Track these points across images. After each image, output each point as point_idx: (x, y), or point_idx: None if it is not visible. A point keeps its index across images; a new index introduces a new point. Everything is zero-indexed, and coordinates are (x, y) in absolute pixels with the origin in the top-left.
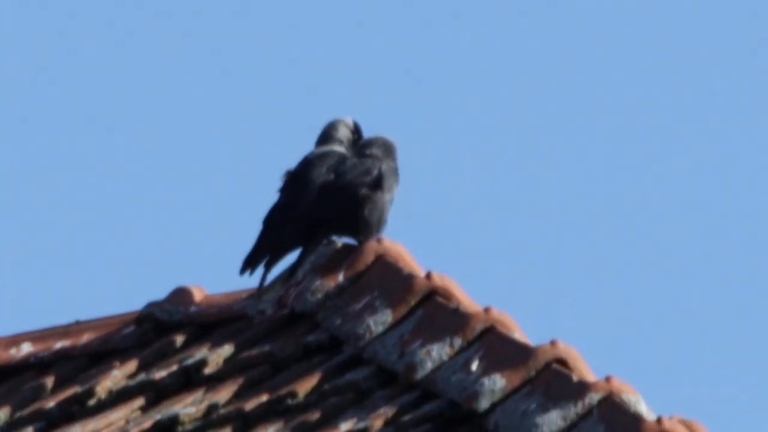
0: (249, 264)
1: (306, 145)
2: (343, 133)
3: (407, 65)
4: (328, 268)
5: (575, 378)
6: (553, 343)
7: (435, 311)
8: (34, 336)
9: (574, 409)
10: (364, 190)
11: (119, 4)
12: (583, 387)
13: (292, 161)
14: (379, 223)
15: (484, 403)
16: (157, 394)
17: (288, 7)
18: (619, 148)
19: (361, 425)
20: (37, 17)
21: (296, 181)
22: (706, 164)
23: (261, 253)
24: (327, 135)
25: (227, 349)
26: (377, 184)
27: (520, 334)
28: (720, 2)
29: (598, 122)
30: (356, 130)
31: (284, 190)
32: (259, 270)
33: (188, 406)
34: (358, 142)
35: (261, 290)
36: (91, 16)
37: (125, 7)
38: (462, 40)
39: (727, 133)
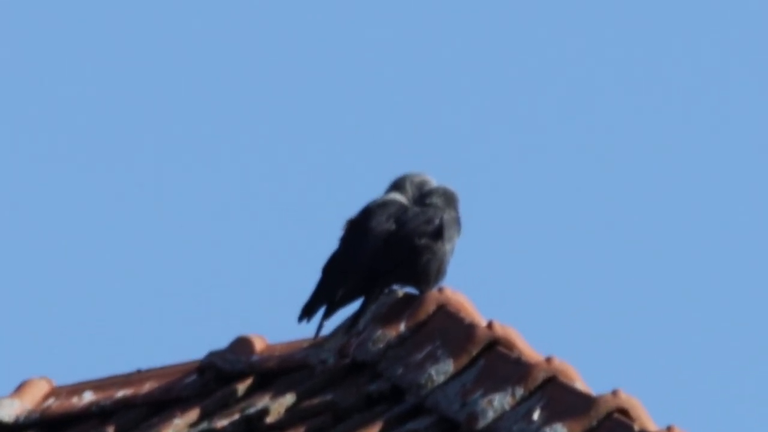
0: (307, 312)
1: (368, 195)
2: (411, 187)
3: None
4: (389, 317)
5: (637, 428)
6: (614, 392)
7: (497, 361)
8: (96, 384)
9: None
10: (424, 240)
11: (123, 5)
12: None
13: (353, 209)
14: (440, 273)
15: None
16: None
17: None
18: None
19: None
20: (37, 17)
21: (356, 229)
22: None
23: (319, 302)
24: (395, 187)
25: (289, 398)
26: (438, 233)
27: (581, 384)
28: (720, 2)
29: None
30: (425, 187)
31: (344, 239)
32: (317, 318)
33: None
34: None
35: (320, 339)
36: (92, 16)
37: (139, 12)
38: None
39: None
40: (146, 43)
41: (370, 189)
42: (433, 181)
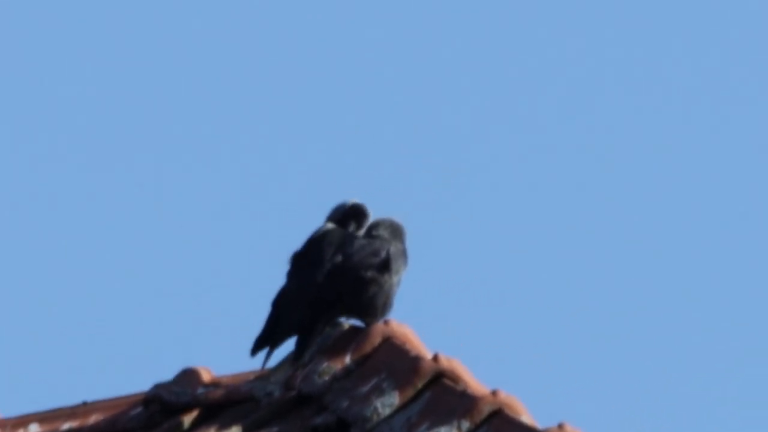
0: (261, 345)
1: (314, 222)
2: (349, 214)
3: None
4: (335, 350)
5: None
6: (560, 426)
7: (442, 394)
8: (41, 417)
9: None
10: (370, 272)
11: (124, 5)
12: None
13: (299, 236)
14: (386, 306)
15: None
16: None
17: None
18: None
19: None
20: (36, 17)
21: (302, 261)
22: None
23: (271, 335)
24: (334, 216)
25: (235, 431)
26: (385, 266)
27: (528, 417)
28: (721, 2)
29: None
30: (362, 214)
31: (291, 271)
32: (264, 351)
33: None
34: (364, 224)
35: (266, 371)
36: (91, 16)
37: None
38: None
39: None
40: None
41: (319, 213)
42: (369, 211)
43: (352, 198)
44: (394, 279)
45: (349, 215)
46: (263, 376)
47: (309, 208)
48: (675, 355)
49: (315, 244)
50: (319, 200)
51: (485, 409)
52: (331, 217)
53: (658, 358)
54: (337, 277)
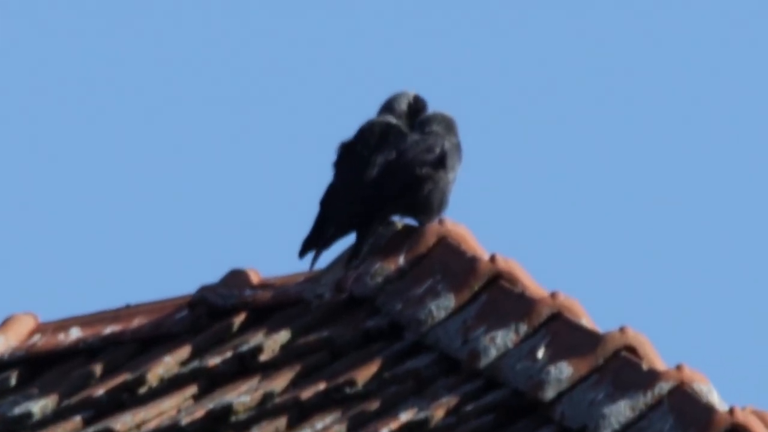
0: (309, 246)
1: (366, 113)
2: (404, 107)
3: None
4: (388, 250)
5: (645, 366)
6: (622, 330)
7: (499, 296)
8: (83, 321)
9: (644, 399)
10: (426, 169)
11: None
12: (653, 376)
13: (349, 129)
14: (442, 204)
15: (550, 393)
16: (210, 381)
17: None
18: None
19: (422, 415)
20: (37, 17)
21: (353, 157)
22: None
23: (320, 236)
24: (388, 108)
25: (284, 335)
26: (440, 162)
27: (587, 321)
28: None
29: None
30: (419, 106)
31: (340, 167)
32: (313, 252)
33: (243, 395)
34: (418, 117)
35: (316, 273)
36: (92, 16)
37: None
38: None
39: None
40: None
41: (365, 112)
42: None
43: (408, 90)
44: (450, 176)
45: (405, 107)
46: (313, 278)
47: (361, 97)
48: (737, 256)
49: (364, 138)
50: (371, 89)
51: (544, 312)
52: (386, 108)
53: (722, 260)
54: (390, 175)
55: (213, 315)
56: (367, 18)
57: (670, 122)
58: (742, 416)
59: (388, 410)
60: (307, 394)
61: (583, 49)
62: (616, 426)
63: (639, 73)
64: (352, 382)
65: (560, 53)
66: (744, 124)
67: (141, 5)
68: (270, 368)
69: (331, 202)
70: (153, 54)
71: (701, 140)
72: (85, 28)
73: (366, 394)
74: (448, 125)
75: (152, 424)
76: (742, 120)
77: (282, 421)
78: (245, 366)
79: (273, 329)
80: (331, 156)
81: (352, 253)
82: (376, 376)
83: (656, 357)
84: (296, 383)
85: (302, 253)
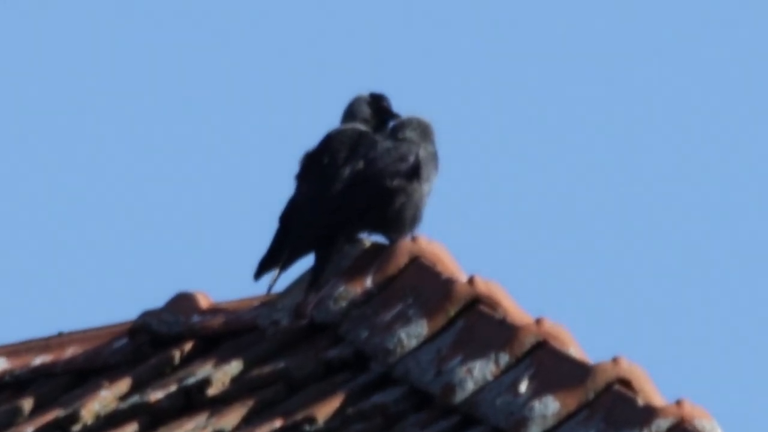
0: (266, 267)
1: (329, 122)
2: (366, 109)
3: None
4: (353, 271)
5: (640, 401)
6: (615, 360)
7: (478, 322)
8: (9, 350)
9: None
10: (398, 181)
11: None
12: (650, 412)
13: (312, 138)
14: (415, 219)
15: (534, 431)
16: (153, 418)
17: None
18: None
19: None
20: (36, 17)
21: (318, 168)
22: None
23: (279, 255)
24: (351, 114)
25: (235, 366)
26: (414, 173)
27: (576, 350)
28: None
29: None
30: (381, 105)
31: (303, 179)
32: (269, 274)
33: None
34: (386, 123)
35: (272, 297)
36: (91, 16)
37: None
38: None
39: None
40: None
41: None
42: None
43: (369, 91)
44: (425, 188)
45: (367, 110)
46: (269, 302)
47: (323, 104)
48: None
49: (329, 147)
50: (335, 95)
51: (527, 341)
52: (348, 115)
53: (722, 287)
54: (358, 186)
55: (156, 344)
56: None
57: (669, 138)
58: None
59: None
60: None
61: (578, 58)
62: None
63: (631, 91)
64: (311, 419)
65: (555, 60)
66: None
67: (140, 5)
68: (219, 403)
69: (292, 217)
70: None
71: (696, 161)
72: (75, 28)
73: None
74: (424, 131)
75: None
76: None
77: None
78: (192, 401)
79: (223, 360)
80: (293, 167)
81: (313, 275)
82: (339, 412)
83: (653, 391)
84: (249, 420)
85: (258, 274)
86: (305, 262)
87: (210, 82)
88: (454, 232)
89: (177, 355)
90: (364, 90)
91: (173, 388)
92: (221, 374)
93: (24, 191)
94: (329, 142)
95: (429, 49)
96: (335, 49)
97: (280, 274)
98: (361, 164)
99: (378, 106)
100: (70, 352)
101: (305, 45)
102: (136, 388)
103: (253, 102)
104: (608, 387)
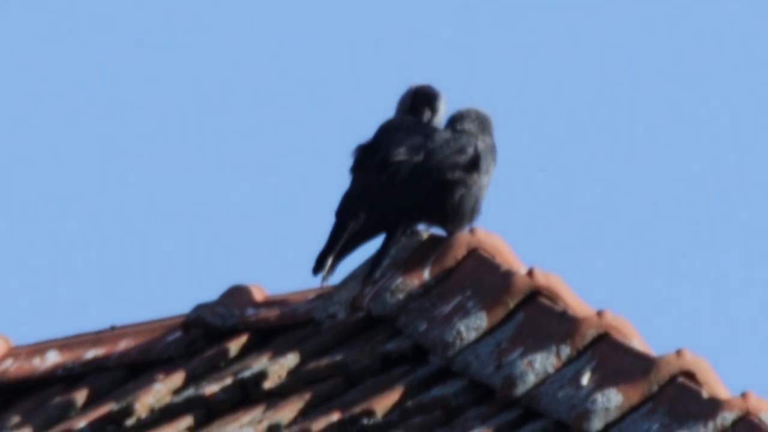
0: (324, 261)
1: (383, 114)
2: (408, 104)
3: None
4: (411, 263)
5: (705, 394)
6: (678, 352)
7: (538, 315)
8: (61, 344)
9: (704, 431)
10: (456, 173)
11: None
12: (715, 405)
13: (366, 131)
14: (473, 212)
15: (596, 424)
16: (208, 412)
17: None
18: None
19: None
20: (37, 17)
21: (372, 159)
22: None
23: (335, 248)
24: (403, 105)
25: (291, 360)
26: (473, 165)
27: (639, 342)
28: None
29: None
30: (415, 104)
31: (358, 172)
32: (326, 265)
33: (245, 427)
34: (437, 111)
35: (328, 289)
36: (91, 16)
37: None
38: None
39: None
40: None
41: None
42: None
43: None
44: (484, 180)
45: (418, 101)
46: (325, 295)
47: (376, 98)
48: None
49: (387, 138)
50: (385, 90)
51: (589, 333)
52: (402, 107)
53: None
54: (416, 179)
55: (210, 337)
56: (373, 16)
57: (755, 129)
58: None
59: None
60: (318, 425)
61: (655, 52)
62: None
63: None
64: (370, 413)
65: (625, 54)
66: None
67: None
68: (276, 397)
69: (348, 210)
70: (146, 68)
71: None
72: (73, 29)
73: (386, 426)
74: (483, 123)
75: None
76: None
77: None
78: (247, 394)
79: (279, 353)
80: (347, 160)
81: (370, 267)
82: (398, 406)
83: (718, 383)
84: (306, 414)
85: (317, 267)
86: (361, 255)
87: (266, 77)
88: (512, 224)
89: (232, 348)
90: (422, 81)
91: (229, 381)
92: (277, 367)
93: (77, 186)
94: (383, 133)
95: (492, 40)
96: (389, 42)
97: (334, 266)
98: (419, 156)
99: (413, 101)
100: (122, 345)
101: (358, 38)
102: (190, 381)
103: (307, 96)
104: (672, 379)
